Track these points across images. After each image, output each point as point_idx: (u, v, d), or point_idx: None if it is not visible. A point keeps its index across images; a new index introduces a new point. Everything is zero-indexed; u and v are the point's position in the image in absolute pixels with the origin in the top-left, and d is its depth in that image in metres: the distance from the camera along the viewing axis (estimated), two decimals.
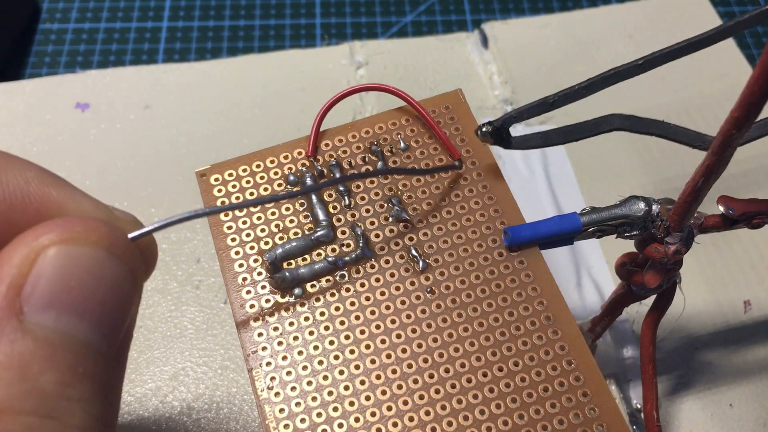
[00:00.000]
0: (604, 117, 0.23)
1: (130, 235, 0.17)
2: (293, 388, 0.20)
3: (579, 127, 0.23)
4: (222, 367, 0.32)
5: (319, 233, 0.22)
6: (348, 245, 0.22)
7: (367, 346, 0.21)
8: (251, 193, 0.23)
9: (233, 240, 0.22)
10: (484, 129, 0.22)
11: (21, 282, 0.15)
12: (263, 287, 0.22)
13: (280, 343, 0.21)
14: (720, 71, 0.41)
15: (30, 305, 0.15)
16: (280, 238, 0.22)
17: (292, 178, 0.23)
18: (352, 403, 0.20)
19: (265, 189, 0.23)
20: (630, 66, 0.22)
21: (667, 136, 0.23)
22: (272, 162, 0.24)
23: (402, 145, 0.24)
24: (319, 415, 0.20)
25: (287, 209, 0.23)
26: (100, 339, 0.15)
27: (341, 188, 0.23)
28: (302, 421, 0.20)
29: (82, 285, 0.15)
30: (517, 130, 0.25)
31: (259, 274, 0.22)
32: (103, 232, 0.16)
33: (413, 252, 0.22)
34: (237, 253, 0.22)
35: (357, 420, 0.20)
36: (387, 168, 0.24)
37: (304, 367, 0.20)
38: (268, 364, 0.20)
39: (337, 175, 0.23)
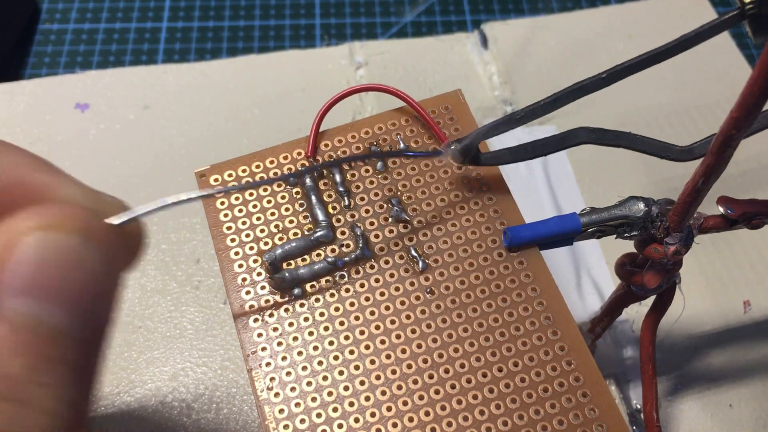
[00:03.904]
0: (570, 131, 0.23)
1: (112, 222, 0.17)
2: (293, 389, 0.20)
3: (546, 141, 0.23)
4: (222, 367, 0.32)
5: (318, 234, 0.22)
6: (347, 246, 0.22)
7: (367, 347, 0.21)
8: (251, 194, 0.23)
9: (233, 240, 0.22)
10: (452, 147, 0.22)
11: None
12: (263, 288, 0.22)
13: (279, 344, 0.21)
14: (720, 71, 0.41)
15: (6, 291, 0.15)
16: (280, 239, 0.22)
17: (291, 178, 0.23)
18: (351, 404, 0.20)
19: (265, 189, 0.23)
20: (594, 79, 0.22)
21: (634, 147, 0.23)
22: (272, 162, 0.24)
23: (401, 145, 0.24)
24: (318, 415, 0.20)
25: (287, 209, 0.23)
26: (75, 325, 0.15)
27: (341, 189, 0.23)
28: (302, 421, 0.20)
29: (58, 271, 0.15)
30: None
31: (259, 274, 0.22)
32: (80, 219, 0.16)
33: (413, 252, 0.22)
34: (236, 253, 0.22)
35: (357, 420, 0.20)
36: (381, 152, 0.23)
37: (304, 368, 0.20)
38: (268, 364, 0.20)
39: (337, 177, 0.23)
